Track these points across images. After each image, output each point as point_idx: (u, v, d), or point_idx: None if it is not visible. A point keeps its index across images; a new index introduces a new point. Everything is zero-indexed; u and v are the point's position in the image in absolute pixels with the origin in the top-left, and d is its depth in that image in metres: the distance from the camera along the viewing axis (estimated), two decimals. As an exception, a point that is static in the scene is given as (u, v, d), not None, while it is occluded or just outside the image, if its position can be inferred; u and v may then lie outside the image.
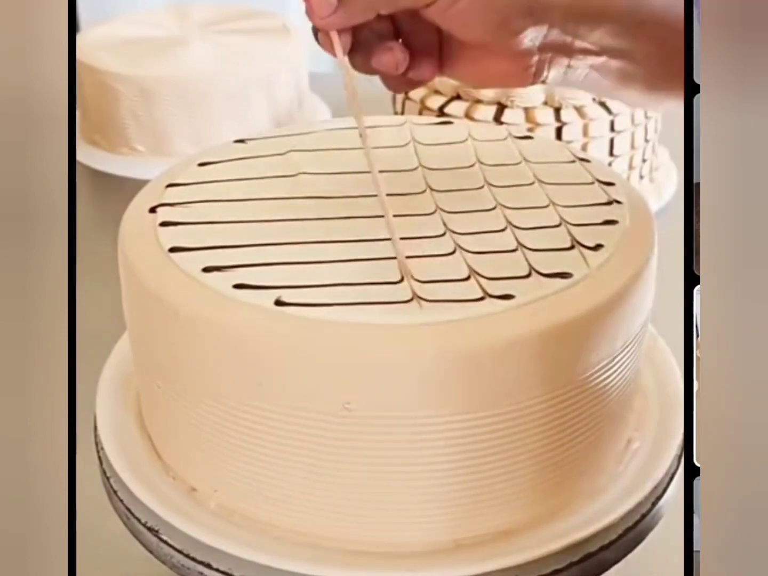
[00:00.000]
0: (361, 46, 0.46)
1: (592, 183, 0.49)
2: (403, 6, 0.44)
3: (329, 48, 0.45)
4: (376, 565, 0.43)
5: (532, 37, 0.44)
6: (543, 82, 0.46)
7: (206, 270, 0.43)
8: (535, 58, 0.45)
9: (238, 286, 0.42)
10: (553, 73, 0.46)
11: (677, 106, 0.42)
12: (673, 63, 0.42)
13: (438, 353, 0.39)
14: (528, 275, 0.42)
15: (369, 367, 0.40)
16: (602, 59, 0.44)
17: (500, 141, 0.54)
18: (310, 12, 0.44)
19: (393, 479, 0.42)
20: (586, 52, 0.44)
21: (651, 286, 0.45)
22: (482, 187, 0.49)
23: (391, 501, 0.43)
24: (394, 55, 0.46)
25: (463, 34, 0.45)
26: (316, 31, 0.45)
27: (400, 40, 0.47)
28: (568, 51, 0.45)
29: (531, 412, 0.41)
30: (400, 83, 0.48)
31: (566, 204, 0.47)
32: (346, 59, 0.45)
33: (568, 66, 0.45)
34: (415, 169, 0.51)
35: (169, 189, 0.50)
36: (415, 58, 0.47)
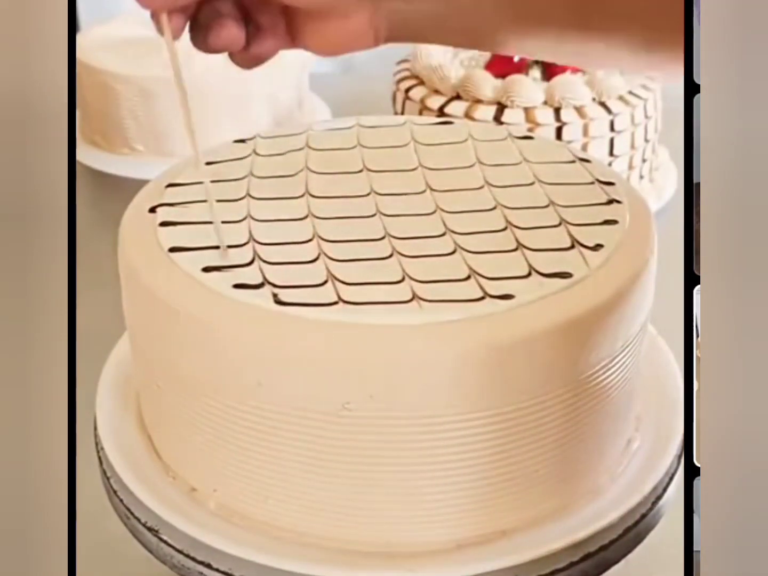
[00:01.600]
0: (202, 26, 0.45)
1: (592, 183, 0.49)
2: None
3: (161, 30, 0.44)
4: (376, 565, 0.43)
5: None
6: (389, 40, 0.46)
7: (206, 270, 0.43)
8: (377, 14, 0.45)
9: (237, 286, 0.42)
10: (398, 28, 0.45)
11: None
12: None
13: (438, 354, 0.39)
14: (528, 275, 0.42)
15: (368, 367, 0.40)
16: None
17: (500, 141, 0.54)
18: None
19: (393, 479, 0.42)
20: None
21: (651, 286, 0.45)
22: (482, 187, 0.49)
23: (391, 501, 0.43)
24: (228, 32, 0.45)
25: (300, 2, 0.44)
26: (151, 15, 0.44)
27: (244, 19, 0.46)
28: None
29: (531, 412, 0.41)
30: (244, 60, 0.47)
31: (566, 204, 0.47)
32: (174, 43, 0.44)
33: (413, 17, 0.45)
34: (415, 169, 0.51)
35: (169, 189, 0.50)
36: (258, 34, 0.46)
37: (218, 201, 0.48)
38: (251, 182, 0.50)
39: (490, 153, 0.53)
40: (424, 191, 0.49)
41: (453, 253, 0.43)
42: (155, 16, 0.43)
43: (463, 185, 0.49)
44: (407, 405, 0.40)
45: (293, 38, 0.47)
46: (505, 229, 0.45)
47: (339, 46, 0.48)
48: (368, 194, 0.49)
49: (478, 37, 0.46)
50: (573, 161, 0.52)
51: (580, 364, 0.41)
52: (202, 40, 0.45)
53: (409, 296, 0.41)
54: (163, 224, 0.47)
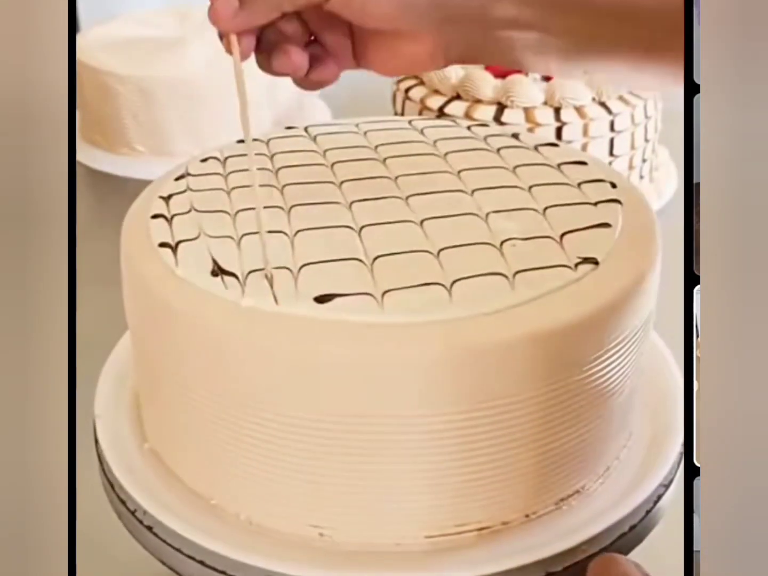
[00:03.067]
0: (266, 49, 0.45)
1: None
2: (304, 3, 0.44)
3: (230, 50, 0.44)
4: (376, 565, 0.43)
5: (439, 15, 0.44)
6: (456, 62, 0.46)
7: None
8: (447, 37, 0.45)
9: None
10: (466, 51, 0.45)
11: (612, 71, 0.42)
12: (599, 33, 0.42)
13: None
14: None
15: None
16: (515, 32, 0.44)
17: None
18: (214, 15, 0.44)
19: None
20: (496, 26, 0.44)
21: (655, 283, 0.45)
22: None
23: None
24: (290, 59, 0.45)
25: (369, 23, 0.44)
26: (219, 35, 0.45)
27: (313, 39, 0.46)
28: (480, 25, 0.44)
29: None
30: (308, 83, 0.47)
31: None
32: (241, 64, 0.44)
33: (482, 41, 0.45)
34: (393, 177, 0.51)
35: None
36: (323, 56, 0.47)
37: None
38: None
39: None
40: (399, 197, 0.48)
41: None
42: (225, 37, 0.44)
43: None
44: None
45: (357, 59, 0.47)
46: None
47: (404, 68, 0.48)
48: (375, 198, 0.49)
49: (552, 62, 0.45)
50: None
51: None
52: (266, 63, 0.46)
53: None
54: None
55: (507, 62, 0.46)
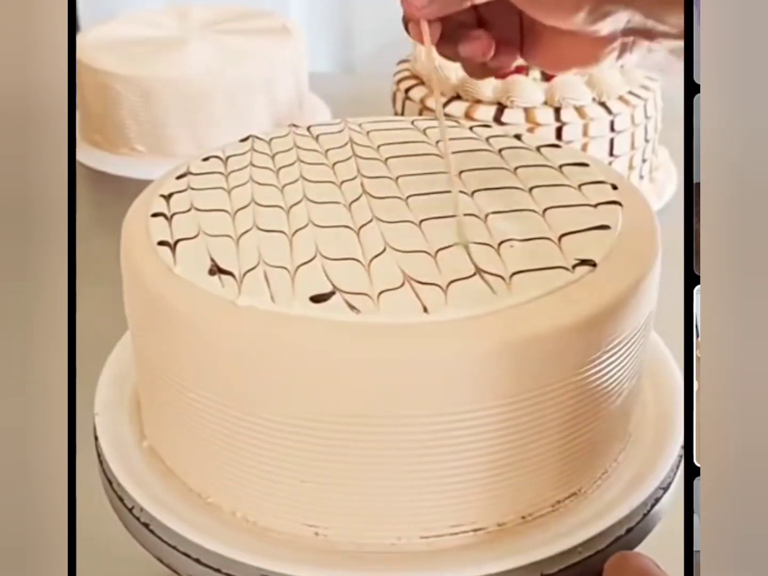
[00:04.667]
0: (447, 35, 0.48)
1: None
2: None
3: (419, 37, 0.47)
4: (371, 565, 0.43)
5: (616, 20, 0.45)
6: (621, 65, 0.48)
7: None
8: (618, 42, 0.46)
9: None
10: (633, 56, 0.47)
11: None
12: None
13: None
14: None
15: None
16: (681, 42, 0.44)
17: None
18: (405, 2, 0.46)
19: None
20: (666, 35, 0.45)
21: (655, 285, 0.45)
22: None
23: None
24: (481, 44, 0.48)
25: (551, 21, 0.46)
26: (406, 21, 0.47)
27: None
28: (649, 34, 0.45)
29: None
30: (480, 70, 0.50)
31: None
32: (433, 48, 0.47)
33: (648, 49, 0.46)
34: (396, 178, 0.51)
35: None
36: (496, 46, 0.48)
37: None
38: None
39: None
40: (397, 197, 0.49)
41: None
42: (414, 24, 0.47)
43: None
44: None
45: (524, 52, 0.49)
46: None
47: (572, 64, 0.49)
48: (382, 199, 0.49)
49: None
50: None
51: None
52: (449, 48, 0.48)
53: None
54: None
55: (669, 71, 0.47)
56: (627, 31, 0.45)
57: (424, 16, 0.46)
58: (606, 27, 0.45)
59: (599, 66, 0.48)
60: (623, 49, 0.47)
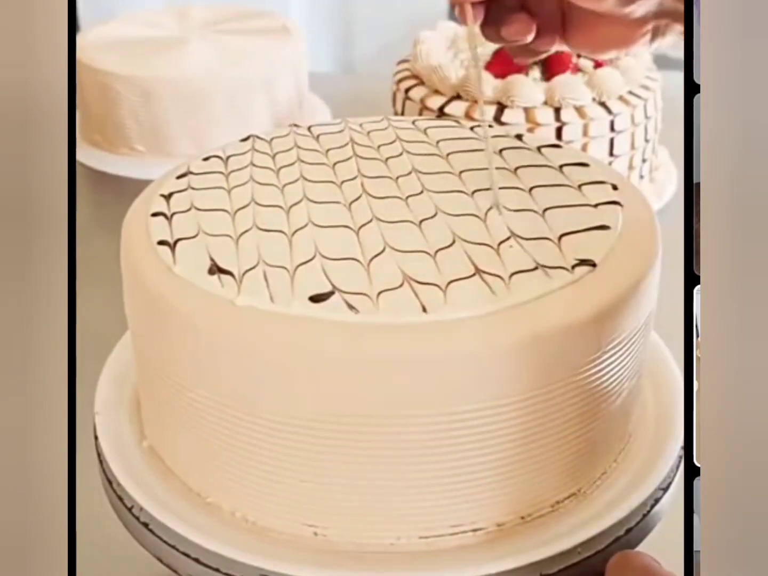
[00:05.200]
0: (491, 17, 0.50)
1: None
2: None
3: (464, 19, 0.49)
4: (370, 565, 0.43)
5: (648, 3, 0.47)
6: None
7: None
8: (652, 24, 0.48)
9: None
10: (667, 39, 0.49)
11: None
12: None
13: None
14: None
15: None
16: None
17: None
18: None
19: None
20: None
21: (655, 285, 0.45)
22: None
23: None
24: (522, 26, 0.50)
25: (586, 3, 0.48)
26: (452, 3, 0.50)
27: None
28: (681, 18, 0.46)
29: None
30: (522, 52, 0.53)
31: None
32: (477, 28, 0.50)
33: (680, 33, 0.47)
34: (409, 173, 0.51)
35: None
36: (537, 29, 0.50)
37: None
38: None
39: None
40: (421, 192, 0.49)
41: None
42: (459, 6, 0.49)
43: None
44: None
45: (563, 36, 0.51)
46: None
47: (608, 47, 0.51)
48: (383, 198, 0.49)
49: None
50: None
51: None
52: (492, 30, 0.51)
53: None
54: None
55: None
56: (660, 14, 0.47)
57: None
58: (639, 9, 0.47)
59: (634, 48, 0.49)
60: (656, 32, 0.48)
